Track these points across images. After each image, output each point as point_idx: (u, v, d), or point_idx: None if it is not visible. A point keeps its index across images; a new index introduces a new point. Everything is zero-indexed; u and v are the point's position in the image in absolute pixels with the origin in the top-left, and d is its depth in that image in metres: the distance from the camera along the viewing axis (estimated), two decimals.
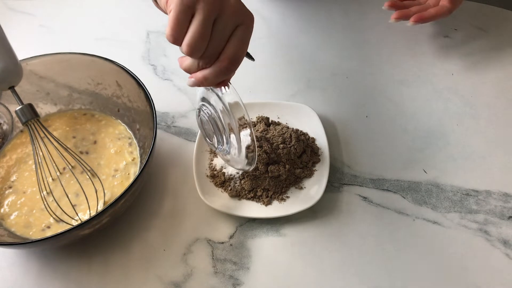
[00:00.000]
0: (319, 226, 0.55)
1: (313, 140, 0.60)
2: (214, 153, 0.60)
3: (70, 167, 0.57)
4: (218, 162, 0.58)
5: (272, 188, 0.56)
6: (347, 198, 0.57)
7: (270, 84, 0.69)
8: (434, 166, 0.59)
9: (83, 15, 0.80)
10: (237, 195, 0.56)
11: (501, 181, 0.58)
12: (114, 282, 0.52)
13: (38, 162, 0.54)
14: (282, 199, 0.56)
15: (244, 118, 0.49)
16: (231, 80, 0.47)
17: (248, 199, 0.56)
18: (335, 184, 0.58)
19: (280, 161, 0.56)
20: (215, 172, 0.58)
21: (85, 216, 0.54)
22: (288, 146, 0.57)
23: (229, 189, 0.56)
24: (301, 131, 0.60)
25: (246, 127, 0.50)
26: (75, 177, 0.55)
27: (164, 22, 0.78)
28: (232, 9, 0.42)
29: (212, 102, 0.50)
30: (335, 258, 0.53)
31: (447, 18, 0.66)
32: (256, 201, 0.56)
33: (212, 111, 0.50)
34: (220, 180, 0.57)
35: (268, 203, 0.56)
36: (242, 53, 0.44)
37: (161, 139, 0.63)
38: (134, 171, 0.58)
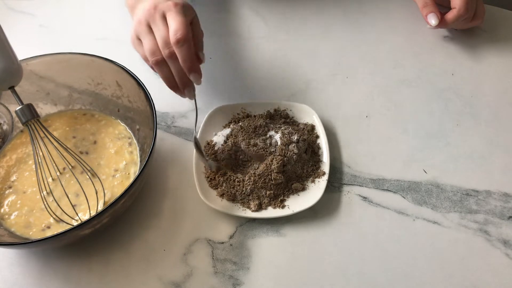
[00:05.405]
0: (319, 226, 0.55)
1: (313, 140, 0.60)
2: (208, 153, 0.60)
3: (70, 167, 0.57)
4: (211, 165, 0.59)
5: (272, 188, 0.56)
6: (347, 198, 0.57)
7: (270, 84, 0.69)
8: (434, 166, 0.59)
9: (83, 15, 0.80)
10: (233, 199, 0.56)
11: (501, 181, 0.58)
12: (114, 282, 0.52)
13: (38, 162, 0.54)
14: (283, 199, 0.56)
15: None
16: None
17: (243, 201, 0.56)
18: (335, 184, 0.58)
19: (280, 161, 0.56)
20: (212, 174, 0.58)
21: (85, 216, 0.54)
22: (289, 146, 0.57)
23: (227, 193, 0.56)
24: (301, 131, 0.60)
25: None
26: (75, 177, 0.55)
27: None
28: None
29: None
30: (335, 258, 0.53)
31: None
32: (256, 202, 0.56)
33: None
34: (216, 182, 0.57)
35: (268, 203, 0.56)
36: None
37: (161, 139, 0.63)
38: (134, 171, 0.58)
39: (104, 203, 0.55)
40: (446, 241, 0.54)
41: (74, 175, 0.56)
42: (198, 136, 0.61)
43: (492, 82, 0.68)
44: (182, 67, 0.54)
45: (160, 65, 0.55)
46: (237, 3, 0.80)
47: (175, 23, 0.53)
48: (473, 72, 0.69)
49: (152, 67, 0.57)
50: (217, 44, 0.74)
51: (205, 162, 0.58)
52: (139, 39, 0.57)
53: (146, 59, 0.58)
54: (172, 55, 0.54)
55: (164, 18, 0.54)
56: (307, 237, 0.54)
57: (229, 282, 0.52)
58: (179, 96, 0.58)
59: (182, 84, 0.56)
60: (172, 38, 0.52)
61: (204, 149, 0.60)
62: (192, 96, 0.58)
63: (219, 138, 0.60)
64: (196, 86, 0.61)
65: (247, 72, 0.70)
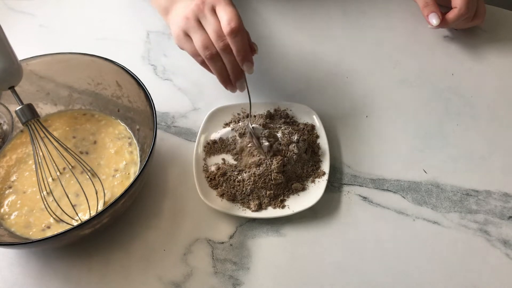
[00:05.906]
0: (319, 226, 0.55)
1: (313, 140, 0.60)
2: (208, 153, 0.59)
3: (70, 167, 0.57)
4: (211, 164, 0.59)
5: (272, 188, 0.56)
6: (347, 198, 0.57)
7: (270, 84, 0.69)
8: (434, 166, 0.59)
9: (83, 15, 0.80)
10: (233, 199, 0.56)
11: (501, 181, 0.58)
12: (114, 282, 0.52)
13: (38, 162, 0.54)
14: (283, 199, 0.56)
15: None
16: None
17: (243, 201, 0.56)
18: (335, 184, 0.58)
19: (280, 161, 0.56)
20: (211, 175, 0.58)
21: (85, 216, 0.54)
22: (289, 146, 0.57)
23: (227, 193, 0.56)
24: (301, 131, 0.60)
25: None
26: (75, 177, 0.55)
27: (164, 22, 0.78)
28: None
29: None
30: (335, 258, 0.53)
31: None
32: (256, 202, 0.56)
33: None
34: (216, 182, 0.57)
35: (268, 203, 0.56)
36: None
37: (161, 139, 0.63)
38: (134, 171, 0.58)
39: (104, 203, 0.55)
40: (446, 241, 0.54)
41: (74, 175, 0.56)
42: (198, 137, 0.61)
43: (492, 82, 0.68)
44: (235, 59, 0.54)
45: (214, 59, 0.55)
46: (236, 3, 0.80)
47: (227, 14, 0.52)
48: (473, 72, 0.69)
49: (202, 64, 0.57)
50: None
51: (261, 151, 0.57)
52: (187, 36, 0.56)
53: (196, 55, 0.57)
54: (227, 47, 0.53)
55: (214, 11, 0.54)
56: (307, 237, 0.54)
57: (229, 282, 0.52)
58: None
59: (234, 76, 0.56)
60: (226, 28, 0.52)
61: (204, 149, 0.60)
62: (243, 88, 0.58)
63: (217, 134, 0.60)
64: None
65: None
